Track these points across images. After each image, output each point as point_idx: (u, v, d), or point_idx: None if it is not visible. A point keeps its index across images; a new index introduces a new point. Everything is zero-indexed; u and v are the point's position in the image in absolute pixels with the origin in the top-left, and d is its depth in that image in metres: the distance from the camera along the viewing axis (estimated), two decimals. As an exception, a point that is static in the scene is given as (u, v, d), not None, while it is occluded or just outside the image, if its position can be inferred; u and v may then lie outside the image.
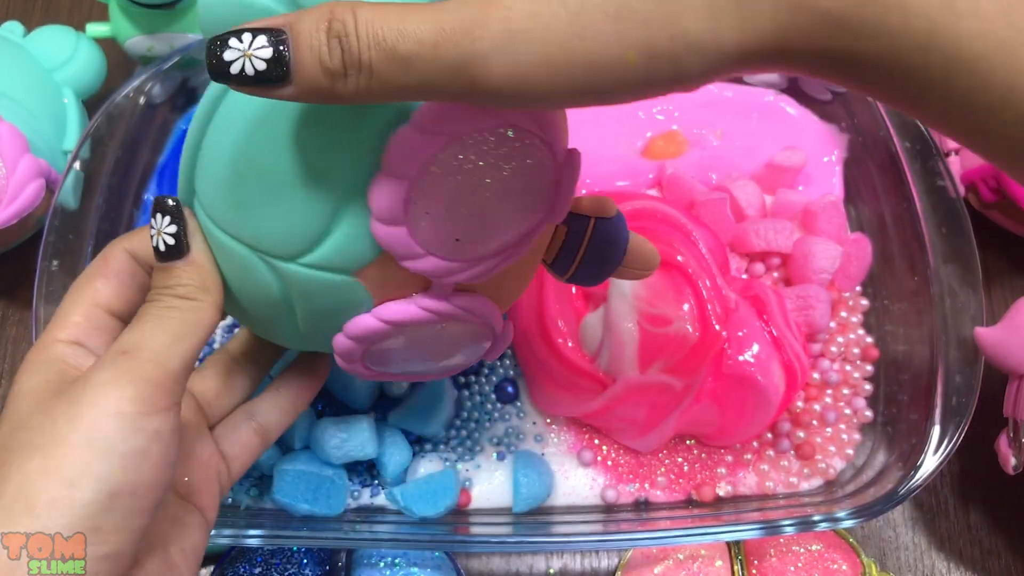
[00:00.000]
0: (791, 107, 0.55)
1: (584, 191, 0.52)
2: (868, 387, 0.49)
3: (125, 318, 0.31)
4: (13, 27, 0.54)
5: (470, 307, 0.30)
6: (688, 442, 0.48)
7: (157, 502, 0.26)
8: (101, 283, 0.30)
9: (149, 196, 0.51)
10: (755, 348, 0.45)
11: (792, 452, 0.48)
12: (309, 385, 0.37)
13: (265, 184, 0.27)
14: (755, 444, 0.48)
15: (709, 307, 0.45)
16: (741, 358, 0.45)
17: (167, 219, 0.29)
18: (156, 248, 0.29)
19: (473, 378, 0.49)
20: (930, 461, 0.42)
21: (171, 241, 0.28)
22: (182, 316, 0.28)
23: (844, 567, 0.45)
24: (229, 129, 0.27)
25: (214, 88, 0.28)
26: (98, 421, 0.25)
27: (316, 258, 0.27)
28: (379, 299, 0.29)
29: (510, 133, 0.25)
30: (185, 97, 0.52)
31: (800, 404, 0.49)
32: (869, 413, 0.48)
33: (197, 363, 0.37)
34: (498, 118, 0.25)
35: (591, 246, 0.33)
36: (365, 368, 0.33)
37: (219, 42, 0.22)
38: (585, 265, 0.33)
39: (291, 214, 0.27)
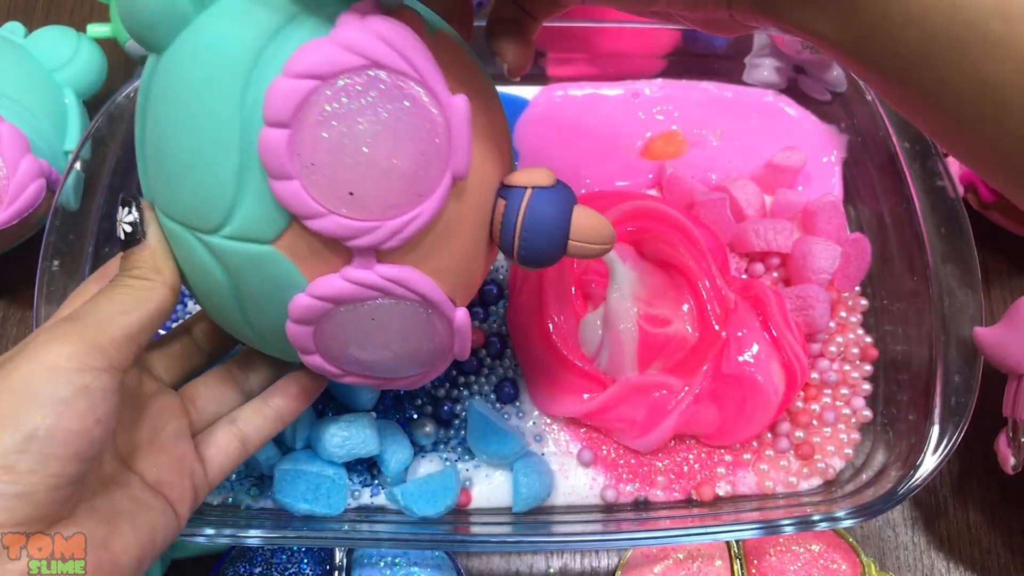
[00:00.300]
0: (791, 107, 0.55)
1: (583, 191, 0.52)
2: (867, 387, 0.49)
3: None
4: (14, 27, 0.54)
5: (398, 278, 0.29)
6: (688, 442, 0.48)
7: (79, 453, 0.26)
8: (96, 287, 0.32)
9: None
10: (755, 348, 0.45)
11: (791, 452, 0.48)
12: (296, 398, 0.37)
13: (178, 160, 0.29)
14: (754, 444, 0.48)
15: (708, 307, 0.45)
16: (740, 358, 0.45)
17: (126, 210, 0.31)
18: (118, 237, 0.31)
19: (473, 378, 0.49)
20: (929, 461, 0.42)
21: (129, 229, 0.31)
22: (132, 293, 0.30)
23: (843, 567, 0.45)
24: (149, 116, 0.29)
25: (144, 79, 0.30)
26: (31, 373, 0.26)
27: (235, 228, 0.29)
28: (311, 277, 0.29)
29: (381, 74, 0.26)
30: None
31: (799, 404, 0.49)
32: (868, 413, 0.48)
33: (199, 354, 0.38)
34: (364, 59, 0.26)
35: (529, 217, 0.31)
36: (328, 363, 0.33)
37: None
38: (529, 240, 0.32)
39: (202, 185, 0.28)
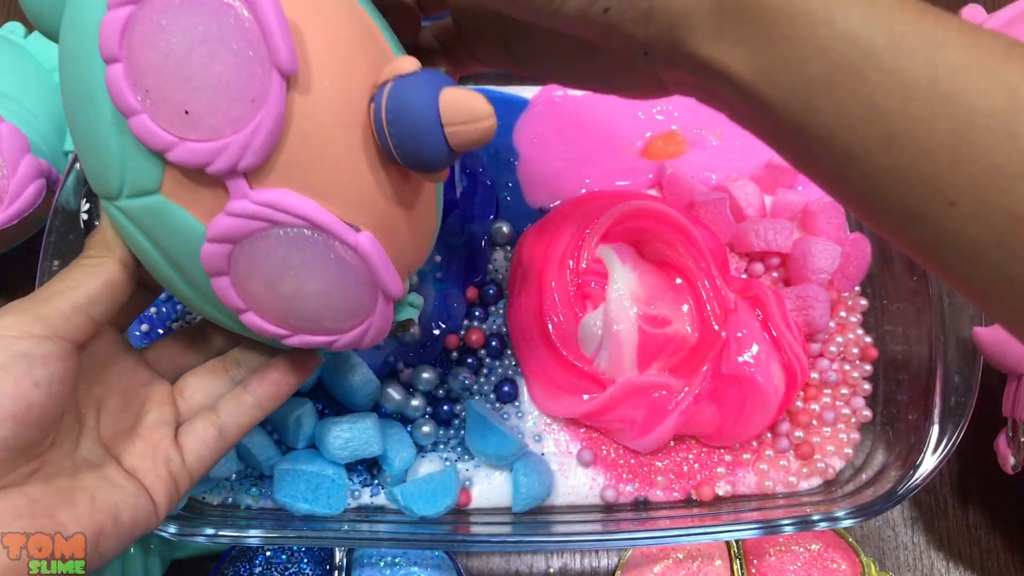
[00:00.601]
0: (791, 107, 0.55)
1: (584, 190, 0.52)
2: (867, 387, 0.49)
3: (120, 325, 0.35)
4: (14, 28, 0.54)
5: (273, 201, 0.28)
6: (688, 442, 0.48)
7: (16, 416, 0.27)
8: None
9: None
10: (754, 348, 0.45)
11: (791, 452, 0.48)
12: (275, 383, 0.37)
13: (78, 134, 0.30)
14: (754, 444, 0.48)
15: (708, 308, 0.45)
16: (740, 359, 0.45)
17: (84, 200, 0.32)
18: (82, 228, 0.32)
19: (473, 378, 0.49)
20: (929, 461, 0.42)
21: (86, 218, 0.32)
22: (82, 270, 0.31)
23: (843, 566, 0.45)
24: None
25: None
26: None
27: (130, 187, 0.29)
28: (207, 222, 0.29)
29: None
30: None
31: (799, 404, 0.49)
32: (868, 413, 0.48)
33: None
34: None
35: (391, 109, 0.28)
36: (263, 319, 0.31)
37: None
38: (399, 134, 0.28)
39: (96, 152, 0.29)
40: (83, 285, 0.30)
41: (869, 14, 0.24)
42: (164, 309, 0.49)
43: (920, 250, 0.26)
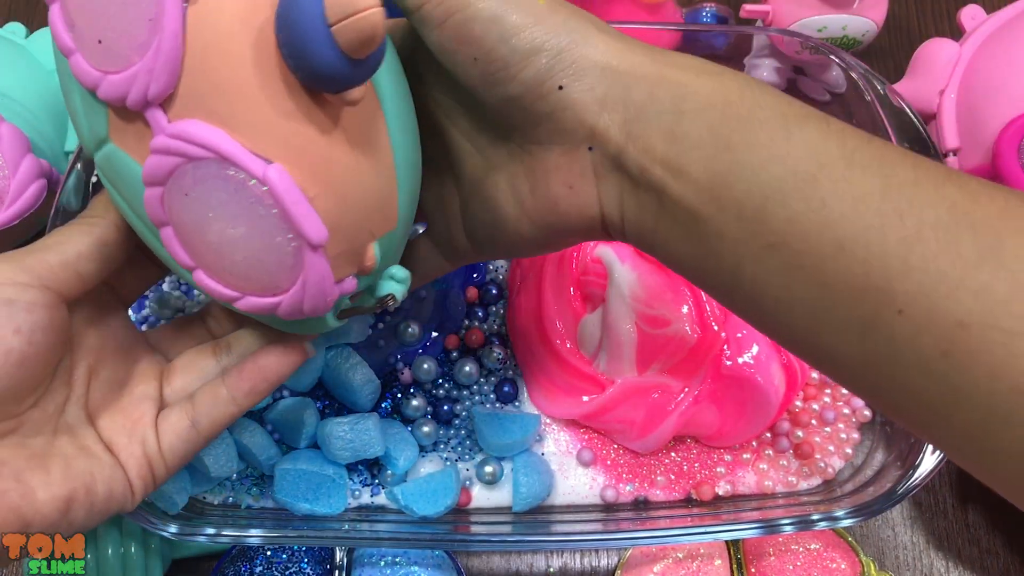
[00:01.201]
0: (791, 107, 0.55)
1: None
2: (867, 387, 0.49)
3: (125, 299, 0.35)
4: (15, 28, 0.54)
5: (182, 132, 0.26)
6: (687, 441, 0.48)
7: None
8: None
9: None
10: (755, 349, 0.45)
11: (791, 451, 0.48)
12: (251, 383, 0.34)
13: (64, 94, 0.29)
14: (754, 443, 0.48)
15: (708, 308, 0.45)
16: (741, 360, 0.45)
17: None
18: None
19: (474, 377, 0.49)
20: (929, 460, 0.42)
21: (95, 180, 0.32)
22: (78, 228, 0.31)
23: (843, 566, 0.46)
24: None
25: None
26: None
27: (93, 138, 0.28)
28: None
29: None
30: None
31: (799, 403, 0.49)
32: (868, 412, 0.48)
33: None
34: None
35: (280, 13, 0.25)
36: (211, 278, 0.29)
37: None
38: (292, 43, 0.25)
39: (71, 107, 0.29)
40: (73, 241, 0.30)
41: (824, 131, 0.26)
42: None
43: (862, 367, 0.25)
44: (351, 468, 0.46)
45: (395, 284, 0.31)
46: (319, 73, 0.25)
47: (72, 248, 0.30)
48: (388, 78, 0.29)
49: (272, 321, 0.32)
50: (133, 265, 0.33)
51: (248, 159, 0.25)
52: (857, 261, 0.24)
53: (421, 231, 0.36)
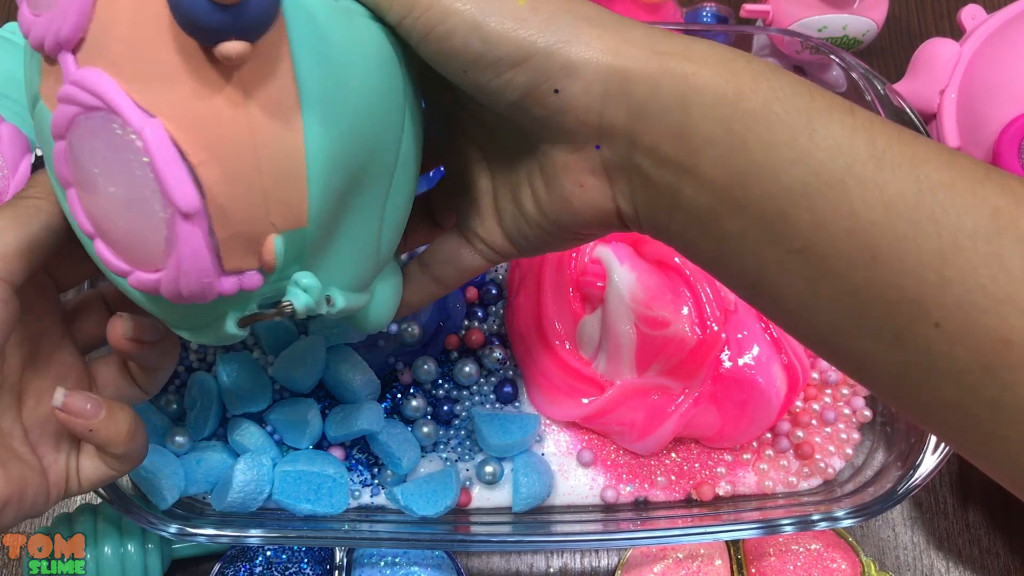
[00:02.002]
0: (791, 107, 0.55)
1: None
2: (867, 387, 0.49)
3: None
4: (15, 28, 0.54)
5: (79, 79, 0.24)
6: (687, 442, 0.48)
7: None
8: None
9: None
10: (755, 350, 0.45)
11: (791, 451, 0.48)
12: (127, 386, 0.34)
13: None
14: (754, 444, 0.48)
15: (708, 309, 0.45)
16: (741, 361, 0.45)
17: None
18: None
19: (474, 378, 0.49)
20: (929, 460, 0.42)
21: (39, 152, 0.29)
22: (23, 205, 0.29)
23: (843, 566, 0.45)
24: None
25: None
26: None
27: (30, 93, 0.27)
28: None
29: None
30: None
31: (799, 404, 0.49)
32: (868, 412, 0.48)
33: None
34: None
35: None
36: (107, 248, 0.26)
37: None
38: None
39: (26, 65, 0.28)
40: (19, 228, 0.28)
41: (850, 126, 0.24)
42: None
43: (895, 377, 0.24)
44: (351, 468, 0.46)
45: (299, 292, 0.28)
46: (184, 14, 0.23)
47: (12, 228, 0.28)
48: (315, 61, 0.26)
49: (167, 313, 0.29)
50: (72, 248, 0.30)
51: (131, 111, 0.23)
52: (890, 272, 0.23)
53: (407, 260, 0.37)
